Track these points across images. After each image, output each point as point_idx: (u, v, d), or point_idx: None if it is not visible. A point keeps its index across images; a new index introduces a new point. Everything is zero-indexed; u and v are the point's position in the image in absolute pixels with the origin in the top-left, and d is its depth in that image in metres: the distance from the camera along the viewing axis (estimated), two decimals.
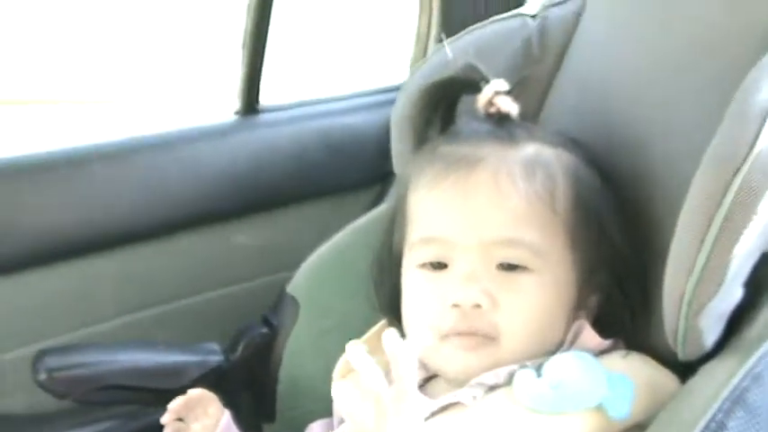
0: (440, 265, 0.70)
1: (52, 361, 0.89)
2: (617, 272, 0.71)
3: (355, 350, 0.62)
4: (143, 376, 0.93)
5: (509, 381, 0.66)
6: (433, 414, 0.67)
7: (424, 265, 0.71)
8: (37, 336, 1.05)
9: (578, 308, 0.71)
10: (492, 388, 0.67)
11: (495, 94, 0.73)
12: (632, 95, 0.75)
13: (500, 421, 0.64)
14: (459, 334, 0.68)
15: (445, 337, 0.68)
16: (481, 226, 0.68)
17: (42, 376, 0.88)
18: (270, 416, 0.99)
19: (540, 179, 0.69)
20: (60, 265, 1.09)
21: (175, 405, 0.84)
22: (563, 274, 0.69)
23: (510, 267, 0.68)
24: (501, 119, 0.73)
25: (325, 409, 0.85)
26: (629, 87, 0.76)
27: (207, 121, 1.23)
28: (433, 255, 0.70)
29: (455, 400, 0.67)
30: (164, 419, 0.84)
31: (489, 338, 0.68)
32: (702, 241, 0.55)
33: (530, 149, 0.71)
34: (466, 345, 0.68)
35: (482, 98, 0.74)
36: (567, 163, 0.72)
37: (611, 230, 0.71)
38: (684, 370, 0.65)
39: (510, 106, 0.73)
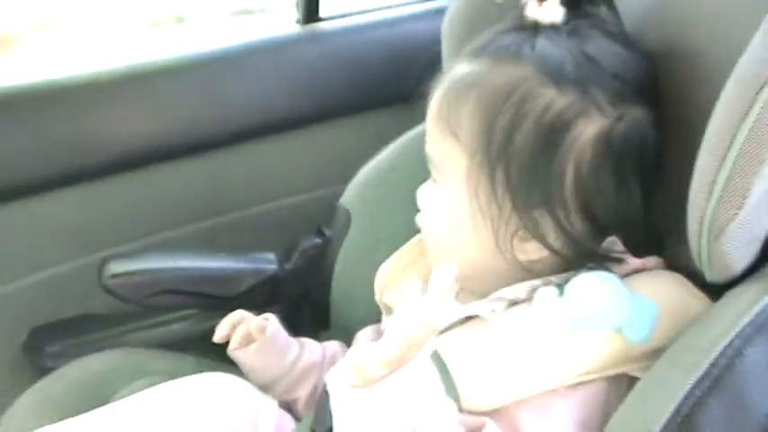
0: None
1: (116, 266, 0.95)
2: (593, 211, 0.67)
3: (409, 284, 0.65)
4: (201, 282, 0.98)
5: (530, 296, 0.66)
6: (453, 325, 0.68)
7: None
8: (106, 242, 1.12)
9: (507, 235, 0.68)
10: (513, 303, 0.67)
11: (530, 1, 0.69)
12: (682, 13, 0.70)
13: (517, 338, 0.64)
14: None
15: None
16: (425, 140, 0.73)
17: (107, 281, 0.94)
18: (325, 323, 1.03)
19: (451, 99, 0.69)
20: (128, 174, 1.14)
21: (225, 323, 0.88)
22: (468, 195, 0.68)
23: (434, 180, 0.74)
24: (533, 29, 0.68)
25: (376, 317, 0.87)
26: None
27: (268, 32, 1.23)
28: None
29: (474, 313, 0.67)
30: (216, 338, 0.89)
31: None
32: (723, 160, 0.52)
33: (479, 69, 0.68)
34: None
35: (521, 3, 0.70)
36: (501, 88, 0.66)
37: (573, 173, 0.66)
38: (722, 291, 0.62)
39: (542, 13, 0.69)
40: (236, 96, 1.17)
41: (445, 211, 0.71)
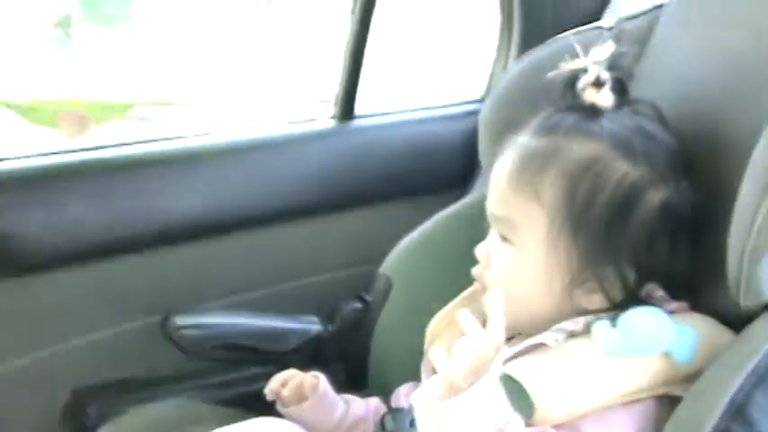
0: None
1: (181, 320, 1.03)
2: (644, 265, 0.76)
3: (462, 313, 0.73)
4: (255, 337, 1.06)
5: (587, 330, 0.76)
6: (518, 354, 0.77)
7: None
8: (162, 306, 1.16)
9: (573, 286, 0.77)
10: (572, 335, 0.77)
11: (587, 86, 0.80)
12: (702, 92, 0.84)
13: (579, 359, 0.74)
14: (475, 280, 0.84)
15: None
16: (489, 202, 0.82)
17: (173, 332, 1.01)
18: (361, 384, 1.09)
19: (533, 168, 0.78)
20: (183, 245, 1.23)
21: (276, 379, 0.95)
22: (545, 253, 0.77)
23: (504, 239, 0.80)
24: (591, 110, 0.80)
25: (413, 378, 0.93)
26: (701, 84, 0.85)
27: (309, 125, 1.36)
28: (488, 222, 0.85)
29: (539, 342, 0.76)
30: (268, 387, 0.95)
31: (484, 290, 0.81)
32: (764, 194, 0.65)
33: (557, 143, 0.77)
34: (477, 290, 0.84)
35: (579, 89, 0.81)
36: (582, 161, 0.76)
37: (633, 232, 0.75)
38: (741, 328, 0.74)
39: (599, 98, 0.80)
40: (278, 180, 1.28)
41: (519, 265, 0.79)
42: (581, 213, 0.76)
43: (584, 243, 0.76)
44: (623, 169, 0.76)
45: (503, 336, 0.70)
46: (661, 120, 0.81)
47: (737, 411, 0.63)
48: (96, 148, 1.23)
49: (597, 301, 0.78)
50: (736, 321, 0.74)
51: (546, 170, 0.77)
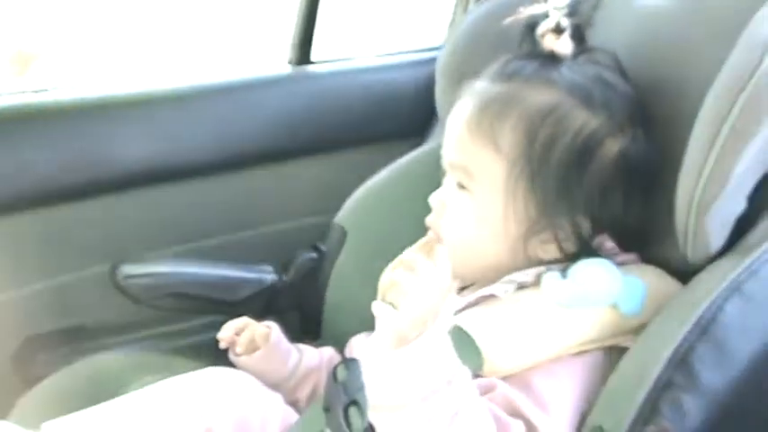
0: None
1: (129, 269, 1.01)
2: (601, 215, 0.77)
3: (409, 252, 0.74)
4: (206, 287, 1.05)
5: (537, 282, 0.76)
6: (468, 306, 0.77)
7: None
8: (111, 256, 1.14)
9: (529, 235, 0.77)
10: (522, 286, 0.77)
11: (546, 32, 0.80)
12: (657, 42, 0.83)
13: (528, 311, 0.74)
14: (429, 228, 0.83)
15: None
16: (446, 148, 0.82)
17: (121, 281, 1.00)
18: (315, 334, 1.10)
19: (492, 114, 0.77)
20: (134, 192, 1.21)
21: (229, 326, 0.94)
22: (503, 200, 0.77)
23: (461, 186, 0.80)
24: (550, 57, 0.79)
25: (367, 328, 0.93)
26: (656, 34, 0.84)
27: (264, 70, 1.33)
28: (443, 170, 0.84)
29: (488, 293, 0.77)
30: (221, 334, 0.94)
31: (439, 239, 0.80)
32: (711, 147, 0.65)
33: (517, 90, 0.77)
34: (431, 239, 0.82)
35: (538, 35, 0.81)
36: (542, 108, 0.75)
37: (596, 181, 0.75)
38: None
39: (559, 45, 0.79)
40: (233, 126, 1.26)
41: (475, 213, 0.79)
42: (539, 161, 0.76)
43: (541, 191, 0.76)
44: (583, 118, 0.76)
45: (449, 280, 0.70)
46: (619, 69, 0.81)
47: (681, 362, 0.63)
48: (47, 91, 1.19)
49: (551, 251, 0.78)
50: (686, 273, 0.75)
51: (505, 116, 0.77)
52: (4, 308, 1.15)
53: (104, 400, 0.86)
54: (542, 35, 0.80)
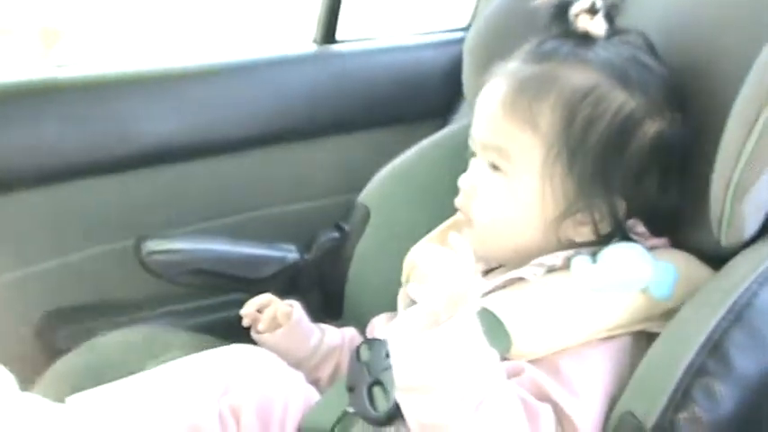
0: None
1: (154, 244, 1.01)
2: (635, 196, 0.76)
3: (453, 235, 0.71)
4: (229, 264, 1.05)
5: (566, 265, 0.75)
6: (497, 288, 0.76)
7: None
8: (133, 233, 1.14)
9: (564, 216, 0.76)
10: (551, 269, 0.76)
11: (581, 12, 0.78)
12: (692, 23, 0.82)
13: (558, 294, 0.73)
14: (458, 210, 0.82)
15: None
16: (477, 129, 0.80)
17: (145, 257, 0.99)
18: (337, 313, 1.09)
19: (530, 95, 0.75)
20: (159, 168, 1.21)
21: (252, 303, 0.94)
22: (540, 181, 0.76)
23: (494, 167, 0.78)
24: (584, 38, 0.78)
25: (389, 308, 0.93)
26: (691, 15, 0.82)
27: (289, 49, 1.32)
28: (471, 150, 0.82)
29: (518, 276, 0.76)
30: (243, 311, 0.94)
31: (469, 221, 0.80)
32: (750, 132, 0.64)
33: (553, 70, 0.75)
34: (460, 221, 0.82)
35: (571, 16, 0.79)
36: (581, 89, 0.74)
37: (632, 164, 0.74)
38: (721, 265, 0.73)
39: (593, 26, 0.78)
40: (258, 104, 1.25)
41: (510, 194, 0.77)
42: (578, 142, 0.74)
43: (579, 172, 0.75)
44: (621, 99, 0.75)
45: (473, 266, 0.68)
46: (652, 50, 0.79)
47: (714, 348, 0.62)
48: (69, 66, 1.18)
49: (585, 233, 0.77)
50: (717, 258, 0.74)
51: (543, 97, 0.75)
52: (26, 282, 1.16)
53: (126, 376, 0.86)
54: (576, 15, 0.78)
